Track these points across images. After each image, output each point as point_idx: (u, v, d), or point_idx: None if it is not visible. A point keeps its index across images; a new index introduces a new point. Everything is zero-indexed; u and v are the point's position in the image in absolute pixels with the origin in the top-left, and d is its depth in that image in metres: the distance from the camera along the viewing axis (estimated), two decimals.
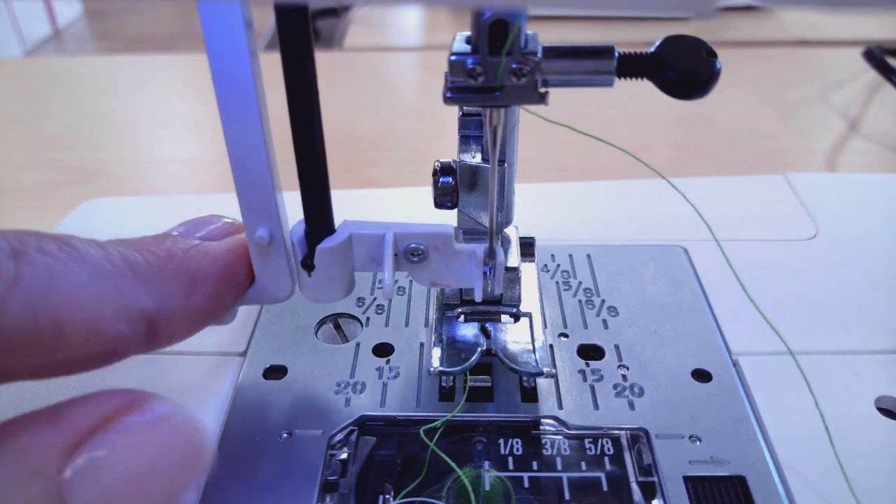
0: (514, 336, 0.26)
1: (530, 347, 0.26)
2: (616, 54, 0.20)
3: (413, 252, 0.24)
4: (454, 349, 0.26)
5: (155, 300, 0.21)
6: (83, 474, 0.15)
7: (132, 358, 0.28)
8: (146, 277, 0.21)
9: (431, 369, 0.25)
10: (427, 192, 0.25)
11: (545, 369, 0.25)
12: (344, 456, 0.24)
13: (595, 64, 0.20)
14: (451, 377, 0.26)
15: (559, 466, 0.23)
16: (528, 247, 0.30)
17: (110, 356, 0.20)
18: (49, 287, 0.18)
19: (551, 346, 0.28)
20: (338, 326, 0.30)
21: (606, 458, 0.24)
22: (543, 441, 0.24)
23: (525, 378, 0.26)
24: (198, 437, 0.17)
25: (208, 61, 0.19)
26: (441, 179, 0.25)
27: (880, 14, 0.66)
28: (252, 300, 0.25)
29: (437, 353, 0.25)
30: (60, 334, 0.18)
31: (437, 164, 0.25)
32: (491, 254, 0.25)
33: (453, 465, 0.23)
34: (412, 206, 0.24)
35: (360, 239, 0.24)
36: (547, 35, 0.19)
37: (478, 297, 0.26)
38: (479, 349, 0.25)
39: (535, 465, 0.24)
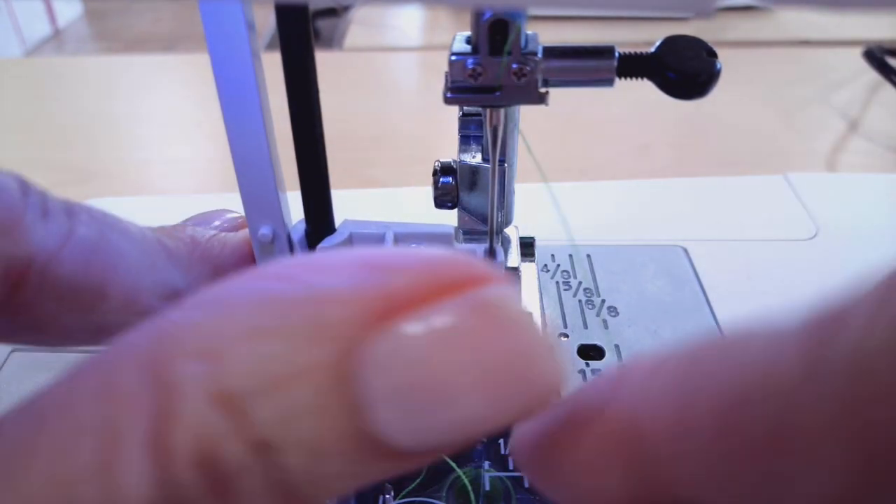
0: None
1: None
2: (616, 54, 0.20)
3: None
4: None
5: (185, 281, 0.22)
6: (388, 357, 0.10)
7: None
8: (178, 258, 0.22)
9: None
10: (427, 192, 0.25)
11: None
12: None
13: (595, 64, 0.20)
14: None
15: None
16: (528, 247, 0.30)
17: None
18: (97, 247, 0.19)
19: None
20: None
21: None
22: None
23: None
24: (536, 329, 0.11)
25: (211, 62, 0.19)
26: (441, 179, 0.25)
27: (881, 14, 0.66)
28: None
29: None
30: (102, 294, 0.19)
31: (437, 164, 0.25)
32: (491, 254, 0.25)
33: (453, 464, 0.23)
34: (412, 206, 0.24)
35: (361, 238, 0.24)
36: (547, 35, 0.19)
37: None
38: None
39: None
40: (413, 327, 0.10)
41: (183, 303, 0.12)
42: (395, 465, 0.11)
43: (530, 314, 0.11)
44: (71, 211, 0.19)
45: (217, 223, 0.26)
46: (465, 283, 0.11)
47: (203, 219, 0.26)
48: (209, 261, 0.23)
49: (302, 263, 0.12)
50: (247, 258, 0.24)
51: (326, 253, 0.13)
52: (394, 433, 0.10)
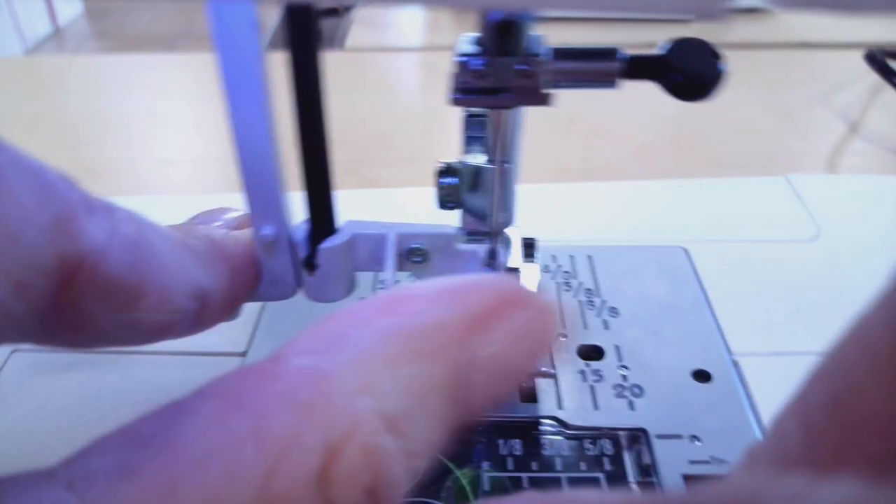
0: None
1: None
2: (620, 56, 0.20)
3: (415, 253, 0.24)
4: None
5: (208, 279, 0.22)
6: (479, 356, 0.15)
7: (132, 357, 0.28)
8: (200, 257, 0.22)
9: None
10: (430, 193, 0.25)
11: (542, 368, 0.25)
12: None
13: (600, 65, 0.20)
14: None
15: (559, 467, 0.24)
16: (529, 247, 0.30)
17: (164, 331, 0.21)
18: (138, 246, 0.19)
19: (552, 357, 0.28)
20: None
21: (606, 459, 0.24)
22: (543, 441, 0.24)
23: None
24: (555, 319, 0.17)
25: (218, 62, 0.19)
26: (444, 180, 0.25)
27: (882, 17, 0.66)
28: (256, 297, 0.25)
29: None
30: (141, 293, 0.19)
31: (440, 164, 0.25)
32: (493, 255, 0.25)
33: (451, 465, 0.23)
34: (414, 207, 0.24)
35: (363, 239, 0.24)
36: (552, 36, 0.19)
37: None
38: None
39: (534, 465, 0.24)
40: (485, 339, 0.15)
41: (333, 353, 0.14)
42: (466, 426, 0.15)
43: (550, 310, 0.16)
44: (110, 209, 0.19)
45: (218, 223, 0.26)
46: (511, 304, 0.16)
47: (205, 218, 0.26)
48: (226, 259, 0.23)
49: (409, 297, 0.15)
50: (255, 256, 0.24)
51: (420, 285, 0.16)
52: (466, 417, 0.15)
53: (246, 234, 0.24)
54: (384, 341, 0.14)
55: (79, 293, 0.19)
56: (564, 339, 0.28)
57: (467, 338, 0.15)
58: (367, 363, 0.14)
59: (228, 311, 0.24)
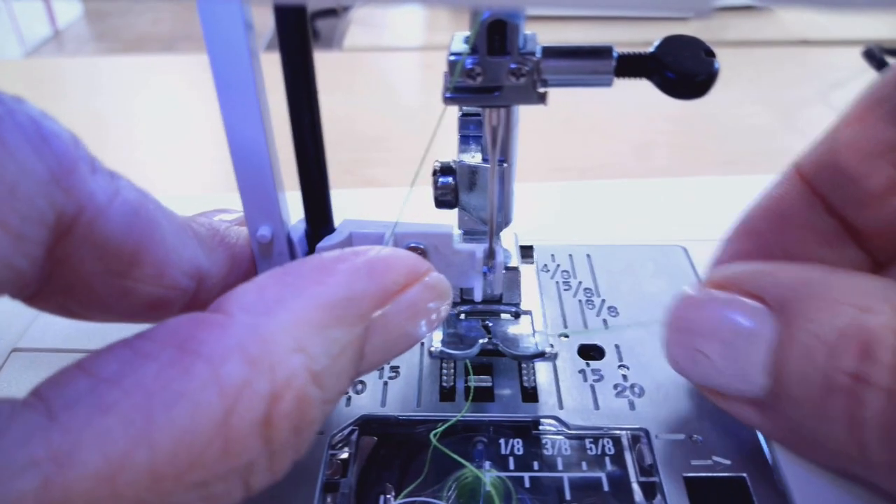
0: (514, 329, 0.26)
1: (530, 334, 0.26)
2: (615, 54, 0.20)
3: (413, 251, 0.24)
4: (456, 336, 0.26)
5: (208, 262, 0.22)
6: (385, 323, 0.19)
7: None
8: (202, 240, 0.23)
9: (432, 348, 0.25)
10: (427, 192, 0.25)
11: (546, 350, 0.25)
12: (345, 456, 0.24)
13: (594, 64, 0.20)
14: (452, 375, 0.26)
15: (560, 466, 0.23)
16: (527, 249, 0.30)
17: (158, 306, 0.21)
18: (138, 212, 0.20)
19: (552, 343, 0.28)
20: None
21: (607, 458, 0.24)
22: (544, 441, 0.24)
23: (525, 366, 0.26)
24: (449, 293, 0.22)
25: (209, 62, 0.19)
26: (441, 179, 0.25)
27: (880, 14, 0.66)
28: None
29: (438, 336, 0.26)
30: (137, 259, 0.20)
31: (436, 164, 0.25)
32: (490, 254, 0.25)
33: (466, 462, 0.23)
34: (412, 206, 0.24)
35: (360, 238, 0.24)
36: (546, 35, 0.19)
37: (477, 297, 0.26)
38: (481, 340, 0.25)
39: (535, 465, 0.24)
40: (396, 304, 0.20)
41: (275, 312, 0.17)
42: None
43: (442, 279, 0.21)
44: (114, 175, 0.20)
45: (219, 218, 0.26)
46: (418, 277, 0.20)
47: (209, 215, 0.26)
48: (228, 248, 0.23)
49: (335, 269, 0.19)
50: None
51: (344, 257, 0.20)
52: (364, 370, 0.20)
53: (246, 229, 0.24)
54: (314, 308, 0.18)
55: (75, 249, 0.19)
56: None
57: (375, 308, 0.19)
58: (301, 326, 0.17)
59: None
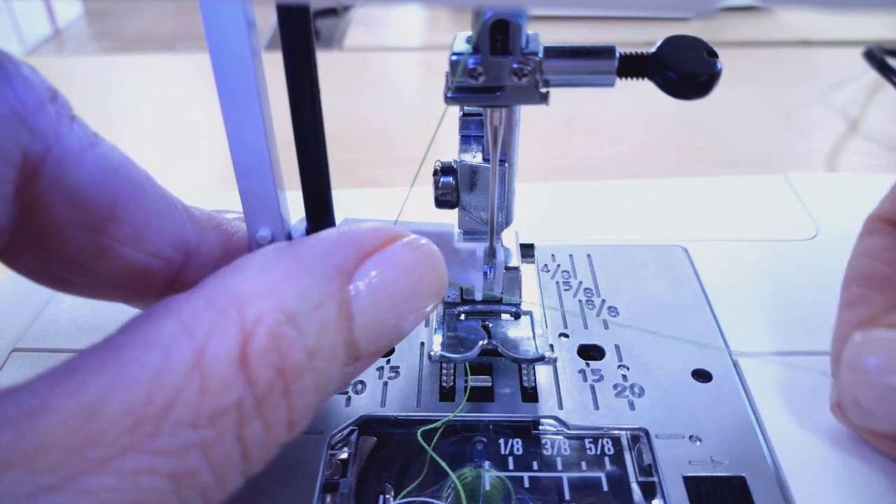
0: (514, 331, 0.26)
1: (530, 337, 0.26)
2: (617, 54, 0.20)
3: None
4: (455, 338, 0.26)
5: (197, 239, 0.22)
6: (367, 283, 0.19)
7: None
8: (195, 218, 0.23)
9: (432, 353, 0.25)
10: (428, 192, 0.25)
11: (546, 354, 0.25)
12: (344, 456, 0.24)
13: (596, 64, 0.20)
14: (452, 375, 0.26)
15: (559, 466, 0.23)
16: (527, 248, 0.30)
17: (140, 275, 0.21)
18: (117, 169, 0.20)
19: (552, 345, 0.28)
20: None
21: (606, 458, 0.24)
22: (543, 441, 0.24)
23: (525, 367, 0.26)
24: (439, 261, 0.20)
25: (211, 60, 0.19)
26: (442, 179, 0.25)
27: (881, 14, 0.66)
28: None
29: (437, 339, 0.26)
30: (112, 215, 0.20)
31: (437, 163, 0.25)
32: (491, 253, 0.25)
33: (447, 469, 0.23)
34: (413, 206, 0.24)
35: None
36: (547, 35, 0.19)
37: (478, 296, 0.26)
38: (480, 342, 0.25)
39: (535, 464, 0.24)
40: (375, 261, 0.19)
41: (243, 270, 0.18)
42: (358, 369, 0.19)
43: (428, 243, 0.20)
44: (98, 135, 0.20)
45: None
46: (394, 239, 0.20)
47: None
48: (223, 233, 0.23)
49: (306, 239, 0.19)
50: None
51: (320, 233, 0.20)
52: (363, 339, 0.19)
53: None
54: (283, 264, 0.18)
55: (44, 191, 0.19)
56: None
57: (353, 264, 0.19)
58: (268, 275, 0.18)
59: None
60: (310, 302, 0.18)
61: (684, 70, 0.19)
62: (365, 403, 0.26)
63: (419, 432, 0.24)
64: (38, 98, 0.19)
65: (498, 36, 0.19)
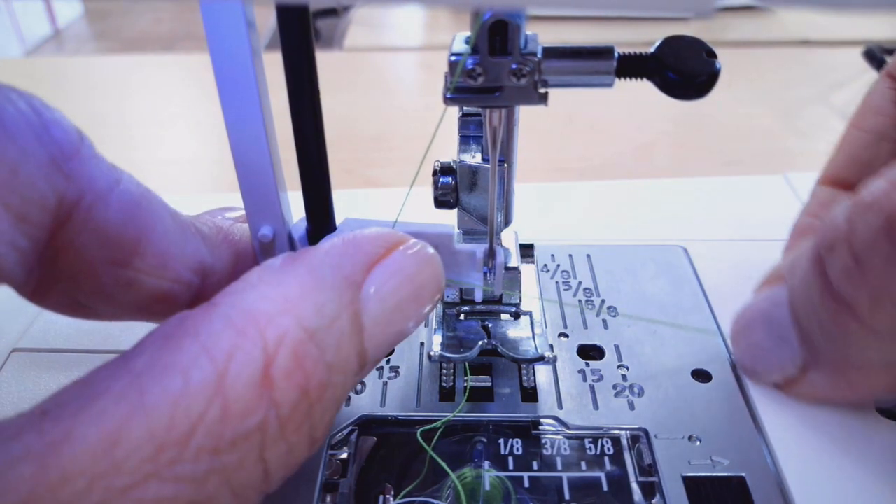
0: (513, 331, 0.26)
1: (530, 337, 0.26)
2: (616, 55, 0.20)
3: None
4: (455, 338, 0.26)
5: (212, 258, 0.23)
6: (375, 292, 0.19)
7: None
8: (207, 238, 0.23)
9: (432, 353, 0.25)
10: (427, 192, 0.25)
11: (546, 354, 0.25)
12: (344, 456, 0.24)
13: (595, 64, 0.20)
14: (452, 375, 0.26)
15: (559, 466, 0.23)
16: (527, 248, 0.30)
17: (162, 300, 0.22)
18: (140, 204, 0.20)
19: (551, 345, 0.28)
20: None
21: (606, 458, 0.24)
22: (543, 441, 0.24)
23: (524, 367, 0.26)
24: (438, 264, 0.21)
25: (211, 60, 0.19)
26: (441, 179, 0.25)
27: (880, 14, 0.66)
28: None
29: (437, 339, 0.26)
30: (138, 249, 0.20)
31: (437, 164, 0.25)
32: (491, 254, 0.25)
33: (447, 469, 0.23)
34: (412, 206, 0.24)
35: None
36: (547, 35, 0.19)
37: (478, 297, 0.26)
38: (480, 342, 0.25)
39: (535, 464, 0.24)
40: (381, 270, 0.19)
41: (258, 286, 0.18)
42: (362, 376, 0.20)
43: (425, 246, 0.21)
44: (116, 168, 0.21)
45: (232, 216, 0.26)
46: (396, 245, 0.20)
47: (208, 215, 0.26)
48: (232, 245, 0.24)
49: (311, 250, 0.19)
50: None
51: (320, 243, 0.20)
52: (371, 348, 0.19)
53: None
54: (297, 278, 0.18)
55: (77, 234, 0.19)
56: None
57: (361, 274, 0.19)
58: (286, 292, 0.18)
59: None
60: (327, 317, 0.18)
61: (683, 70, 0.20)
62: (365, 403, 0.26)
63: (419, 432, 0.24)
64: (72, 143, 0.19)
65: (497, 36, 0.19)
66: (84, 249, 0.20)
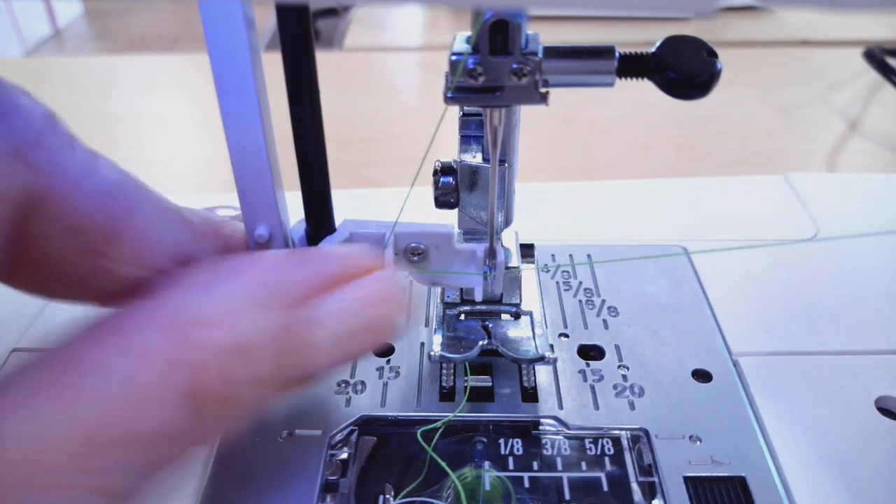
0: (514, 331, 0.26)
1: (530, 337, 0.26)
2: (616, 54, 0.20)
3: (414, 251, 0.24)
4: (455, 338, 0.26)
5: (194, 249, 0.22)
6: (322, 315, 0.19)
7: None
8: (192, 227, 0.22)
9: (432, 353, 0.25)
10: (427, 192, 0.25)
11: (546, 354, 0.25)
12: (344, 456, 0.24)
13: (595, 64, 0.20)
14: (452, 375, 0.26)
15: (559, 466, 0.23)
16: (527, 248, 0.30)
17: (139, 289, 0.21)
18: (117, 190, 0.20)
19: (552, 345, 0.28)
20: None
21: (607, 458, 0.24)
22: (544, 441, 0.24)
23: (525, 367, 0.26)
24: (396, 304, 0.21)
25: (209, 54, 0.19)
26: (442, 179, 0.25)
27: (880, 14, 0.66)
28: None
29: (437, 339, 0.26)
30: (113, 237, 0.20)
31: (437, 164, 0.25)
32: (491, 253, 0.25)
33: (447, 469, 0.23)
34: (413, 206, 0.24)
35: (361, 238, 0.24)
36: (547, 35, 0.19)
37: (478, 297, 0.26)
38: (480, 343, 0.25)
39: (535, 465, 0.24)
40: (324, 301, 0.19)
41: (197, 291, 0.18)
42: (290, 392, 0.20)
43: (390, 283, 0.21)
44: (96, 154, 0.20)
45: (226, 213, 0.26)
46: (361, 272, 0.20)
47: (210, 210, 0.26)
48: (221, 238, 0.23)
49: (256, 259, 0.20)
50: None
51: (271, 251, 0.21)
52: (310, 368, 0.19)
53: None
54: (235, 289, 0.18)
55: (47, 225, 0.19)
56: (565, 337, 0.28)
57: (304, 297, 0.19)
58: (225, 299, 0.18)
59: None
60: (264, 333, 0.18)
61: (684, 70, 0.19)
62: (365, 403, 0.25)
63: (419, 432, 0.24)
64: (37, 131, 0.19)
65: (497, 36, 0.19)
66: (54, 238, 0.19)
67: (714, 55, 0.20)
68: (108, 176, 0.20)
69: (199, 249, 0.22)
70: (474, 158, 0.24)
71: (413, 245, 0.24)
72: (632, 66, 0.20)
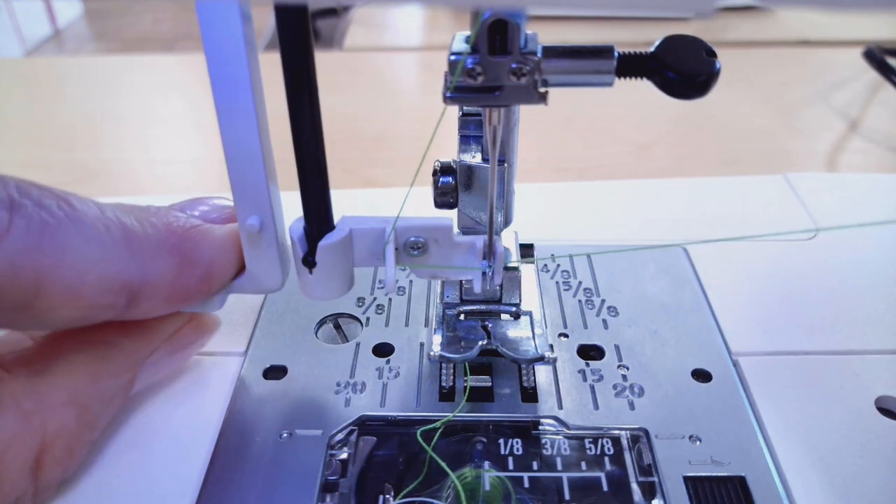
0: (513, 331, 0.26)
1: (530, 337, 0.26)
2: (616, 54, 0.20)
3: (413, 245, 0.24)
4: (455, 338, 0.26)
5: (142, 273, 0.21)
6: (153, 370, 0.24)
7: None
8: (140, 248, 0.21)
9: (431, 353, 0.25)
10: (427, 192, 0.25)
11: (546, 354, 0.25)
12: (344, 456, 0.24)
13: (595, 64, 0.20)
14: (452, 375, 0.26)
15: (559, 466, 0.23)
16: (527, 248, 0.30)
17: (85, 320, 0.21)
18: (37, 244, 0.18)
19: (551, 345, 0.28)
20: (338, 326, 0.30)
21: (606, 458, 0.24)
22: (543, 441, 0.24)
23: (524, 367, 0.26)
24: (211, 334, 0.27)
25: (203, 46, 0.19)
26: (441, 179, 0.25)
27: (880, 14, 0.66)
28: (242, 289, 0.25)
29: (437, 339, 0.25)
30: (38, 293, 0.19)
31: (437, 163, 0.25)
32: (490, 251, 0.25)
33: (447, 469, 0.23)
34: (412, 206, 0.24)
35: (361, 234, 0.24)
36: (547, 35, 0.19)
37: (476, 289, 0.26)
38: (480, 342, 0.25)
39: (535, 465, 0.24)
40: (165, 350, 0.25)
41: (48, 375, 0.21)
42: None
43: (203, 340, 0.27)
44: (15, 203, 0.18)
45: (204, 208, 0.25)
46: (181, 326, 0.25)
47: (188, 204, 0.25)
48: (181, 252, 0.22)
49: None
50: (226, 254, 0.23)
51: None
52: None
53: (223, 229, 0.24)
54: (87, 365, 0.21)
55: None
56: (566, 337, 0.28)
57: (144, 356, 0.23)
58: (75, 382, 0.21)
59: (179, 301, 0.23)
60: (107, 402, 0.21)
61: (683, 70, 0.19)
62: (364, 403, 0.25)
63: (419, 432, 0.24)
64: None
65: (497, 36, 0.19)
66: None
67: (713, 55, 0.20)
68: (28, 227, 0.18)
69: (147, 271, 0.21)
70: (474, 158, 0.24)
71: (413, 239, 0.24)
72: (631, 65, 0.20)
